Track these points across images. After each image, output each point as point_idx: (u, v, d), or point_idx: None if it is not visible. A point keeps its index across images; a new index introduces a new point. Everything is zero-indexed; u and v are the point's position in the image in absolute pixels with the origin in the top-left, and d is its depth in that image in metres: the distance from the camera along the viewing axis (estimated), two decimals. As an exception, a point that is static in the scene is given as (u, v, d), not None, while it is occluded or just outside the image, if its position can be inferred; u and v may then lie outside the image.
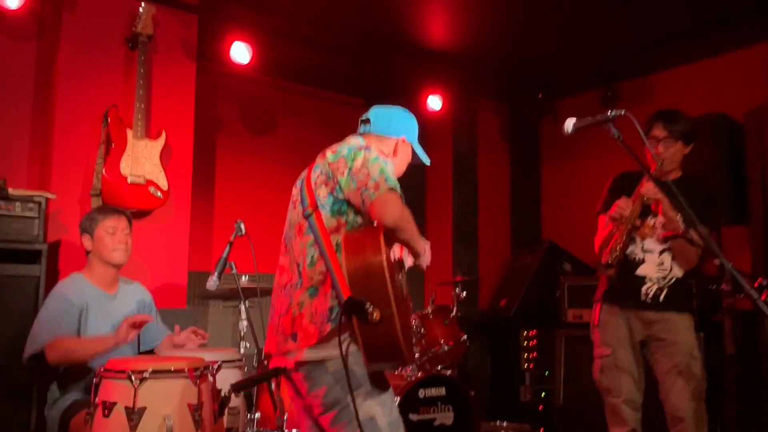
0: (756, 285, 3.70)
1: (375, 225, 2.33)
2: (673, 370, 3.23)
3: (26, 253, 3.49)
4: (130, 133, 4.00)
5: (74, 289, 3.17)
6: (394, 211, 2.27)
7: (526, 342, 5.42)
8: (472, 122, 6.34)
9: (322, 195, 2.39)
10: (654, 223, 3.31)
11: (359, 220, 2.38)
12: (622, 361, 3.32)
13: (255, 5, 4.81)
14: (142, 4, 4.07)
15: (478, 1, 4.83)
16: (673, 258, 3.31)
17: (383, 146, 2.62)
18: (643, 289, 3.31)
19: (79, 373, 3.10)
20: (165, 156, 4.16)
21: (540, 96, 6.29)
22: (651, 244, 3.32)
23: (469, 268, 5.90)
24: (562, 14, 4.95)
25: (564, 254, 5.68)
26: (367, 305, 2.13)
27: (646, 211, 3.30)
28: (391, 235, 2.32)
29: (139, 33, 4.08)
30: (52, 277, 3.70)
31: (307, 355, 2.28)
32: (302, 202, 2.46)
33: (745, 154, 4.48)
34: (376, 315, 2.13)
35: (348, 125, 6.86)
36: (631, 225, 3.25)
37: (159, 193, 4.06)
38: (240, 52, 4.78)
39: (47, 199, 3.59)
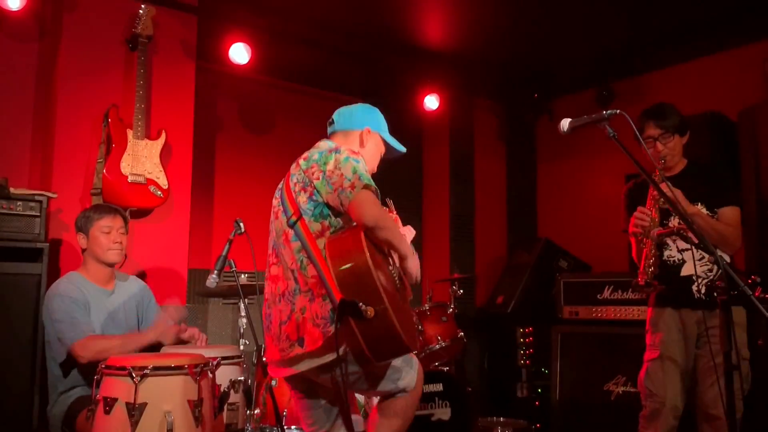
0: (749, 281, 3.72)
1: (355, 225, 2.39)
2: (717, 369, 3.06)
3: (28, 251, 3.51)
4: (130, 132, 4.03)
5: (74, 287, 3.21)
6: (372, 209, 2.35)
7: (522, 339, 5.44)
8: (469, 121, 6.36)
9: (303, 201, 2.46)
10: (678, 222, 3.21)
11: (341, 221, 2.45)
12: (671, 367, 3.24)
13: (254, 6, 4.84)
14: (142, 5, 4.10)
15: (474, 1, 4.86)
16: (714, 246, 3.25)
17: (350, 142, 2.70)
18: (694, 288, 3.22)
19: (80, 369, 3.14)
20: (165, 155, 4.18)
21: (536, 95, 6.32)
22: (684, 242, 3.21)
23: (466, 266, 5.94)
24: (557, 13, 4.97)
25: (560, 252, 5.70)
26: (360, 304, 2.19)
27: (666, 212, 3.22)
28: (372, 235, 2.37)
29: (139, 34, 4.10)
30: (53, 276, 3.72)
31: (316, 361, 2.34)
32: (285, 211, 2.52)
33: (739, 152, 4.50)
34: (369, 312, 2.18)
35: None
36: (660, 243, 3.16)
37: (159, 192, 4.09)
38: (239, 53, 4.80)
39: (48, 198, 3.61)
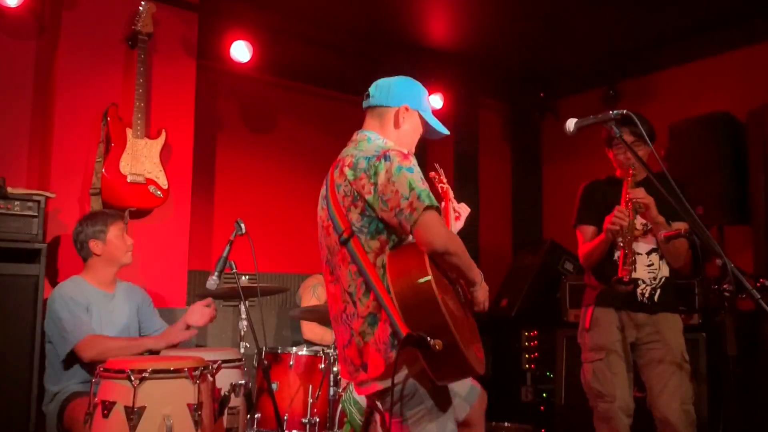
0: (758, 285, 3.69)
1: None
2: (663, 373, 3.22)
3: (26, 252, 3.49)
4: (129, 131, 3.99)
5: (76, 290, 3.28)
6: (440, 234, 2.14)
7: (527, 342, 5.40)
8: (474, 121, 6.33)
9: (355, 219, 2.24)
10: (638, 225, 3.27)
11: (397, 238, 2.25)
12: (616, 366, 3.29)
13: (255, 4, 4.81)
14: (142, 2, 4.06)
15: (478, 0, 4.82)
16: (661, 257, 3.31)
17: (385, 123, 2.46)
18: (638, 291, 3.30)
19: (75, 366, 3.19)
20: (165, 155, 4.14)
21: (541, 95, 6.29)
22: (638, 245, 3.29)
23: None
24: (563, 13, 4.94)
25: (565, 254, 5.65)
26: (428, 339, 2.03)
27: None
28: (440, 260, 2.19)
29: (139, 31, 4.06)
30: (52, 276, 3.71)
31: (379, 384, 2.21)
32: (336, 228, 2.29)
33: (748, 153, 4.46)
34: (438, 346, 2.02)
35: (348, 124, 6.84)
36: (632, 234, 3.19)
37: (159, 192, 4.04)
38: (240, 51, 4.77)
39: (47, 198, 3.58)
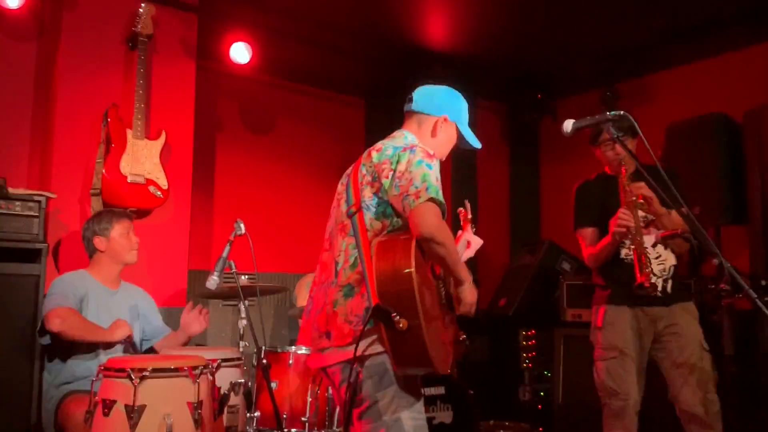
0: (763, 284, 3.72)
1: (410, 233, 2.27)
2: (684, 364, 3.19)
3: (26, 252, 3.49)
4: (129, 132, 4.00)
5: (77, 278, 3.35)
6: (431, 221, 2.20)
7: (525, 341, 5.41)
8: (472, 122, 6.31)
9: (368, 196, 2.35)
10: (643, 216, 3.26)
11: (401, 222, 2.33)
12: (629, 364, 3.27)
13: (255, 5, 4.82)
14: (142, 3, 4.08)
15: (477, 1, 4.83)
16: (666, 246, 3.29)
17: (423, 130, 2.54)
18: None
19: (71, 362, 3.21)
20: (165, 155, 4.16)
21: (539, 96, 6.29)
22: (643, 239, 3.25)
23: (468, 268, 5.90)
24: (561, 14, 4.95)
25: (563, 254, 5.67)
26: (394, 314, 2.09)
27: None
28: (426, 248, 2.25)
29: (139, 33, 4.08)
30: (52, 276, 3.70)
31: (342, 354, 2.25)
32: (347, 200, 2.40)
33: (745, 154, 4.47)
34: (402, 324, 2.09)
35: (348, 125, 6.90)
36: (640, 234, 3.17)
37: (159, 193, 4.06)
38: (240, 52, 4.79)
39: (47, 199, 3.59)
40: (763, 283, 4.00)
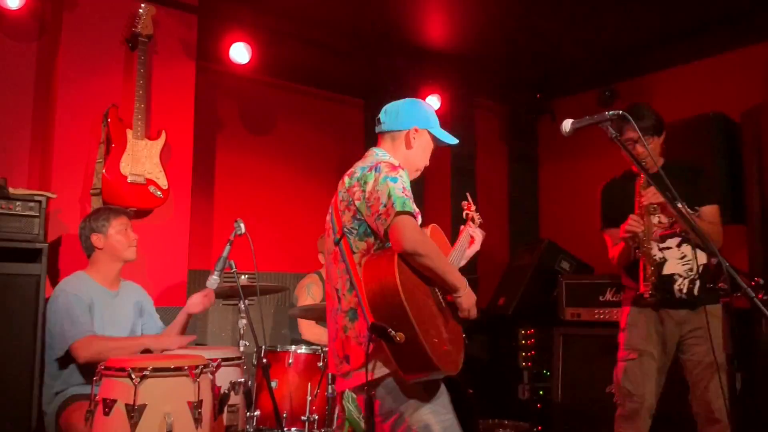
0: (753, 284, 3.71)
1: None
2: (709, 368, 3.14)
3: (27, 251, 3.49)
4: (130, 132, 4.01)
5: (79, 285, 3.27)
6: (409, 235, 2.27)
7: (524, 340, 5.42)
8: (471, 122, 6.35)
9: (347, 221, 2.43)
10: (659, 220, 3.22)
11: (386, 239, 2.39)
12: (648, 366, 3.24)
13: (254, 5, 4.83)
14: (142, 4, 4.09)
15: (476, 1, 4.84)
16: (695, 246, 3.21)
17: (397, 146, 2.62)
18: (675, 287, 3.22)
19: (77, 367, 3.17)
20: (165, 155, 4.17)
21: (538, 96, 6.30)
22: (669, 240, 3.23)
23: (467, 267, 5.91)
24: (559, 14, 4.96)
25: (562, 253, 5.68)
26: (389, 330, 2.14)
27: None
28: (412, 262, 2.31)
29: (139, 33, 4.08)
30: (53, 276, 3.73)
31: (360, 377, 2.32)
32: (333, 230, 2.50)
33: (742, 153, 4.48)
34: (399, 338, 2.14)
35: (347, 125, 6.90)
36: (649, 240, 3.14)
37: (159, 193, 4.07)
38: (239, 52, 4.79)
39: (48, 199, 3.60)
40: (762, 282, 4.01)
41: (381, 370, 2.31)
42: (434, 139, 2.70)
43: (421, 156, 2.67)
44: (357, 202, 2.39)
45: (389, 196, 2.30)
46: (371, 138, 6.55)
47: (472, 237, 3.00)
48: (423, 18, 5.15)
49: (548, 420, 4.98)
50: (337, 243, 2.44)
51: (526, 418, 5.14)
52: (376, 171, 2.40)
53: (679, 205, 3.15)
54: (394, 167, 2.43)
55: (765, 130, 4.32)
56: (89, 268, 3.39)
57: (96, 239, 3.34)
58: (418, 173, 2.71)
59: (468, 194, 3.16)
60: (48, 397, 3.23)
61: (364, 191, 2.38)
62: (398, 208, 2.28)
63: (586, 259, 5.69)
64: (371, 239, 2.41)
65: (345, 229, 2.43)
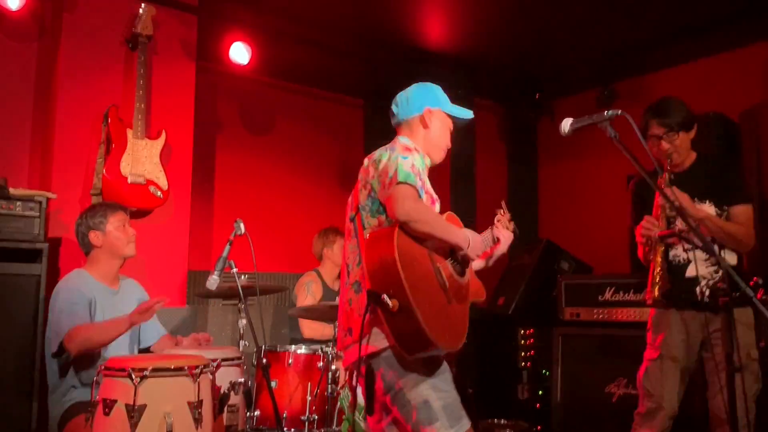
0: (751, 284, 3.69)
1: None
2: (724, 372, 3.00)
3: (27, 252, 3.51)
4: (130, 132, 4.02)
5: (81, 282, 3.22)
6: (402, 204, 2.31)
7: (523, 340, 5.42)
8: (470, 122, 6.33)
9: (363, 198, 2.50)
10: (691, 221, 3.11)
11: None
12: (670, 368, 3.19)
13: (254, 6, 4.83)
14: (142, 4, 4.10)
15: (475, 1, 4.85)
16: (722, 247, 3.13)
17: (414, 132, 2.67)
18: (698, 290, 3.13)
19: (76, 369, 3.13)
20: (165, 156, 4.18)
21: (537, 96, 6.31)
22: (687, 242, 3.14)
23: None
24: (559, 13, 4.96)
25: (561, 253, 5.68)
26: (383, 296, 2.19)
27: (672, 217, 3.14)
28: (409, 230, 2.34)
29: (139, 33, 4.10)
30: (53, 276, 3.72)
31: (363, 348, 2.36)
32: (350, 207, 2.58)
33: (741, 153, 4.49)
34: (393, 304, 2.18)
35: (347, 125, 6.90)
36: (665, 244, 3.10)
37: (159, 193, 4.08)
38: (239, 53, 4.80)
39: (48, 199, 3.61)
40: (760, 281, 4.00)
41: (382, 342, 2.34)
42: (449, 116, 2.74)
43: (441, 133, 2.72)
44: (371, 180, 2.46)
45: (396, 169, 2.36)
46: (371, 138, 6.58)
47: (498, 238, 3.01)
48: (423, 18, 5.16)
49: (547, 420, 4.97)
50: (351, 220, 2.52)
51: (526, 418, 5.15)
52: (390, 150, 2.48)
53: (708, 203, 3.12)
54: (408, 148, 2.50)
55: (764, 130, 4.34)
56: (88, 266, 3.31)
57: (94, 237, 3.26)
58: (444, 153, 2.76)
59: (503, 202, 3.22)
60: (51, 400, 3.18)
61: (377, 168, 2.45)
62: (400, 179, 2.33)
63: (586, 259, 5.70)
64: (383, 216, 2.45)
65: (360, 206, 2.50)
